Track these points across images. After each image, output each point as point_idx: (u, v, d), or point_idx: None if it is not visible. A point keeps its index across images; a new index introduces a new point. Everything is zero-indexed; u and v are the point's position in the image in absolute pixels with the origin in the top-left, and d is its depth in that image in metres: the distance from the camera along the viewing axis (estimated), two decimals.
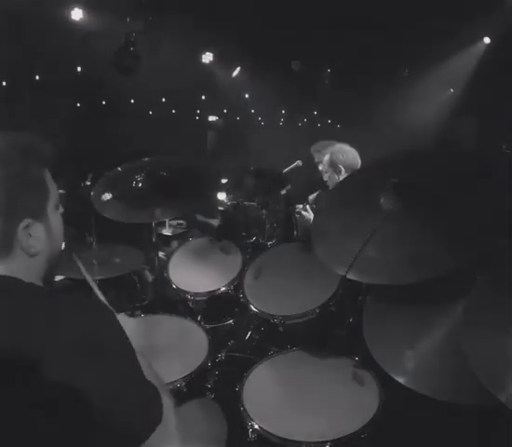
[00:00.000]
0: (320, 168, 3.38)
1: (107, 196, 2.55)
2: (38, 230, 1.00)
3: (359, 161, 3.01)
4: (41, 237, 1.01)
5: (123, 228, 2.65)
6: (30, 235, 0.99)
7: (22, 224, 0.97)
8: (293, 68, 7.57)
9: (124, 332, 1.00)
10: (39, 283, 1.03)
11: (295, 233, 3.13)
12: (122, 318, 1.40)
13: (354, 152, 3.05)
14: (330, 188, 3.00)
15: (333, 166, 3.01)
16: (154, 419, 0.98)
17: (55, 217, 1.07)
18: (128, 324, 1.38)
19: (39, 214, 1.01)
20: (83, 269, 1.62)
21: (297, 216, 3.02)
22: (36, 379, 0.84)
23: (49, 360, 0.85)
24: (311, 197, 3.57)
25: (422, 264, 1.62)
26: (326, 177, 3.09)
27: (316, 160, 3.99)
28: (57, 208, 1.08)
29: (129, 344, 1.00)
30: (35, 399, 0.84)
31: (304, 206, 3.05)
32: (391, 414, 1.70)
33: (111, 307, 1.46)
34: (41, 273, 1.05)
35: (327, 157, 3.06)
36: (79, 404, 0.86)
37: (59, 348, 0.87)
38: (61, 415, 0.85)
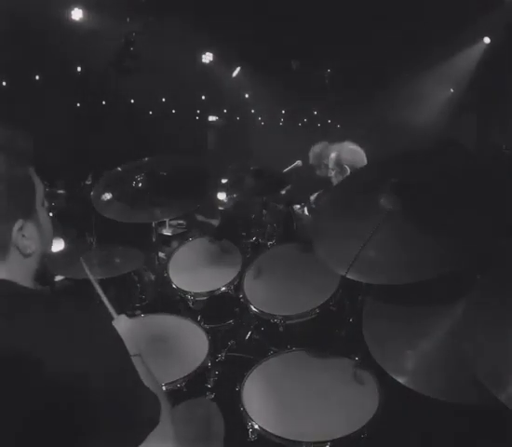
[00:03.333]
0: (326, 166, 3.34)
1: (107, 196, 2.55)
2: (31, 230, 0.99)
3: (366, 162, 2.93)
4: (34, 237, 1.00)
5: (123, 228, 2.65)
6: (24, 235, 0.97)
7: (16, 226, 0.96)
8: (293, 67, 7.57)
9: (120, 337, 0.99)
10: (31, 284, 1.02)
11: (295, 232, 3.12)
12: (122, 320, 1.41)
13: (361, 152, 2.97)
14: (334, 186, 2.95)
15: (339, 165, 2.93)
16: (152, 420, 0.98)
17: (43, 214, 1.05)
18: (128, 325, 1.38)
19: (30, 214, 1.00)
20: (87, 270, 1.64)
21: (296, 216, 3.02)
22: (35, 381, 0.84)
23: (48, 363, 0.85)
24: (312, 198, 3.57)
25: (421, 264, 1.62)
26: (331, 174, 3.02)
27: (311, 162, 3.99)
28: (43, 204, 1.05)
29: (125, 348, 0.99)
30: (35, 400, 0.84)
31: (302, 207, 3.04)
32: (391, 414, 1.69)
33: (111, 309, 1.47)
34: (33, 273, 1.04)
35: (333, 156, 2.97)
36: (77, 405, 0.86)
37: (57, 351, 0.86)
38: (59, 416, 0.85)
